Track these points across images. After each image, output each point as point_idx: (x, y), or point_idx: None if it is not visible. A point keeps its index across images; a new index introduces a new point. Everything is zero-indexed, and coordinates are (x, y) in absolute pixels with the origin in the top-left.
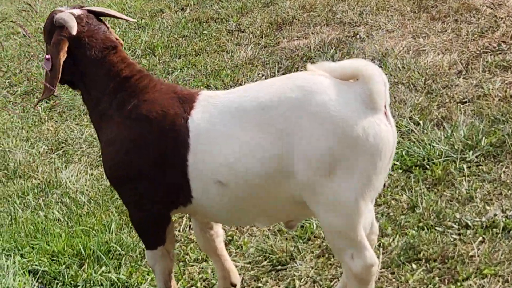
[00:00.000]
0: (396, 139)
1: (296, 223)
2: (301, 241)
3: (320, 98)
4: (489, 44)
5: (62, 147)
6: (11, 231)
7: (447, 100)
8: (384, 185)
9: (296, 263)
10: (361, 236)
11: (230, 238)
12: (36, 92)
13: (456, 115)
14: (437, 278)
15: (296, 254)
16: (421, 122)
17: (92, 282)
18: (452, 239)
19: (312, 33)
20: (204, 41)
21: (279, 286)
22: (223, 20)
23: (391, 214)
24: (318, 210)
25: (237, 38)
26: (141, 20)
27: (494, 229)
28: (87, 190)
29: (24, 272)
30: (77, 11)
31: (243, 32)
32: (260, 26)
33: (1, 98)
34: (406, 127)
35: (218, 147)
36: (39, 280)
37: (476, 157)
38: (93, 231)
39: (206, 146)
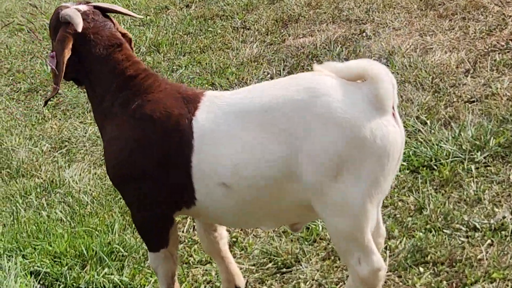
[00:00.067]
0: (404, 140)
1: (301, 225)
2: (306, 243)
3: (326, 99)
4: (497, 42)
5: (66, 146)
6: (13, 231)
7: (454, 99)
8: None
9: (301, 265)
10: (368, 239)
11: (234, 239)
12: (40, 90)
13: (464, 114)
14: (444, 282)
15: (302, 257)
16: (428, 121)
17: (94, 284)
18: (460, 242)
19: (318, 30)
20: (209, 39)
21: None
22: (229, 17)
23: (398, 215)
24: (324, 212)
25: (242, 36)
26: (146, 16)
27: (503, 232)
28: (90, 190)
29: (25, 273)
30: (83, 7)
31: (248, 29)
32: (265, 23)
33: (5, 95)
34: (413, 126)
35: (222, 148)
36: (41, 282)
37: (484, 157)
38: (96, 232)
39: (211, 146)
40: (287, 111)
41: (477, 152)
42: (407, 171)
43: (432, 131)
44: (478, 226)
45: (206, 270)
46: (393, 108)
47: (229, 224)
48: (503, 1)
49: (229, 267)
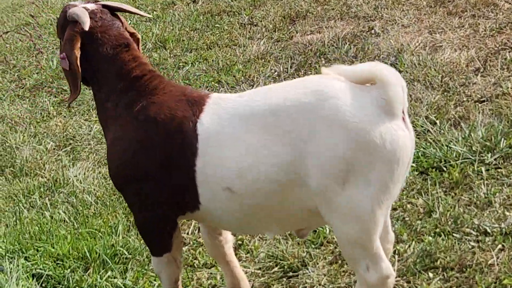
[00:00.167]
0: (414, 144)
1: (308, 231)
2: (313, 246)
3: (334, 102)
4: (508, 40)
5: (70, 144)
6: (15, 232)
7: (464, 99)
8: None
9: (308, 269)
10: (377, 246)
11: (240, 242)
12: (46, 86)
13: (474, 114)
14: None
15: (308, 260)
16: (437, 121)
17: (97, 287)
18: (470, 247)
19: (326, 27)
20: (216, 35)
21: None
22: (236, 13)
23: (407, 218)
24: (332, 218)
25: (249, 32)
26: (153, 12)
27: None
28: (94, 190)
29: (27, 276)
30: (91, 6)
31: (255, 25)
32: (273, 20)
33: (10, 91)
34: (422, 126)
35: (227, 151)
36: (43, 285)
37: (495, 159)
38: (99, 234)
39: (215, 149)
40: (293, 113)
41: (488, 153)
42: (416, 173)
43: (442, 131)
44: (488, 230)
45: (211, 273)
46: (403, 112)
47: (233, 229)
48: None
49: (234, 271)
